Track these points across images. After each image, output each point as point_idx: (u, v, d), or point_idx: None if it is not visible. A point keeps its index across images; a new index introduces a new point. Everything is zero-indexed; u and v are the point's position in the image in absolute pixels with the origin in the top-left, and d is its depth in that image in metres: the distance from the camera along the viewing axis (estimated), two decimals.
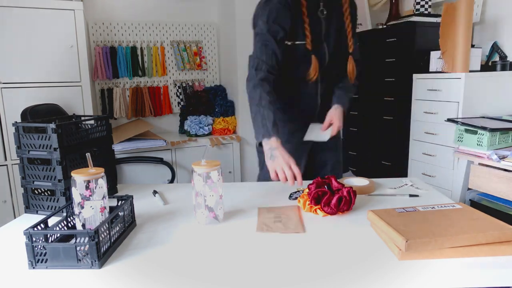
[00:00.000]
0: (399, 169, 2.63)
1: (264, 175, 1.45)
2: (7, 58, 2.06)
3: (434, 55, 2.31)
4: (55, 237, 0.84)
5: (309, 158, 1.55)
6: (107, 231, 0.82)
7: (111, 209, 0.92)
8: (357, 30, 3.16)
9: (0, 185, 2.12)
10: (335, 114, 1.41)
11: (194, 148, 2.57)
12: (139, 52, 2.77)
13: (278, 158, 1.15)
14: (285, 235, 0.91)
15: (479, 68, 2.21)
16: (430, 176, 2.33)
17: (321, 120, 1.45)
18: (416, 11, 2.59)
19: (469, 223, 0.83)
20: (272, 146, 1.18)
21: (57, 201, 1.05)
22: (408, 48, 2.48)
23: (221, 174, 0.99)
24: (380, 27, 2.81)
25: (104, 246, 0.80)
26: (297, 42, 1.34)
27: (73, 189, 0.84)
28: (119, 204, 0.97)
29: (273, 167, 1.16)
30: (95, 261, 0.76)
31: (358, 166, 3.16)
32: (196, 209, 0.99)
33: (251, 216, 1.04)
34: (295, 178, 1.12)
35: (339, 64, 1.42)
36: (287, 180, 1.12)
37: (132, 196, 1.00)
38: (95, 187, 0.84)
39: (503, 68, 2.24)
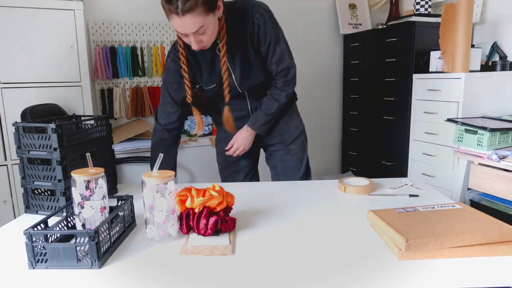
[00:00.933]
0: (399, 169, 2.63)
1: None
2: (7, 58, 2.06)
3: (434, 55, 2.31)
4: (55, 237, 0.84)
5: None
6: (107, 231, 0.82)
7: (111, 209, 0.92)
8: (357, 30, 3.18)
9: (0, 185, 2.12)
10: (237, 137, 1.44)
11: (194, 148, 2.57)
12: (139, 52, 2.77)
13: None
14: (285, 235, 0.91)
15: (479, 68, 2.22)
16: (430, 176, 2.33)
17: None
18: (416, 11, 2.59)
19: (469, 223, 0.83)
20: None
21: (57, 201, 1.05)
22: (408, 48, 2.48)
23: (175, 186, 0.89)
24: (380, 27, 2.81)
25: (104, 246, 0.80)
26: (199, 86, 1.45)
27: (73, 189, 0.84)
28: (119, 204, 0.97)
29: None
30: (95, 261, 0.76)
31: (358, 166, 3.16)
32: (146, 224, 0.90)
33: (251, 216, 1.04)
34: None
35: (256, 81, 1.38)
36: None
37: (132, 196, 1.00)
38: (95, 187, 0.84)
39: (503, 68, 2.24)
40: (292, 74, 1.39)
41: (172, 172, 0.90)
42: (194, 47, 1.18)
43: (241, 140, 1.44)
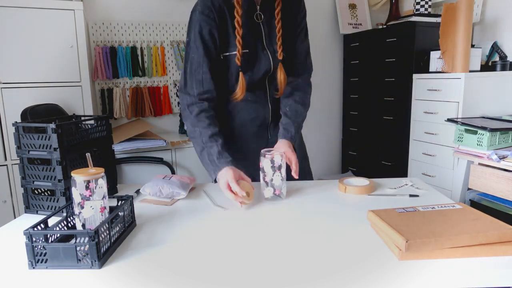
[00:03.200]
0: (399, 169, 2.63)
1: None
2: (7, 58, 2.06)
3: (434, 55, 2.31)
4: (55, 237, 0.84)
5: None
6: (107, 231, 0.82)
7: (111, 209, 0.92)
8: (357, 30, 3.18)
9: (0, 185, 2.12)
10: (287, 151, 1.21)
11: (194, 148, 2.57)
12: (139, 52, 2.77)
13: (219, 182, 1.13)
14: (285, 235, 0.91)
15: (479, 68, 2.22)
16: (430, 176, 2.33)
17: (275, 129, 1.36)
18: (416, 11, 2.59)
19: (469, 223, 0.83)
20: (222, 174, 1.13)
21: (57, 201, 1.05)
22: (408, 48, 2.48)
23: (283, 160, 1.14)
24: (380, 27, 2.81)
25: (104, 246, 0.80)
26: (227, 54, 1.23)
27: (73, 189, 0.84)
28: (119, 204, 0.97)
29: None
30: (95, 261, 0.76)
31: (358, 166, 3.16)
32: (263, 187, 1.16)
33: (251, 216, 1.04)
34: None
35: (288, 70, 1.30)
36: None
37: (132, 196, 1.00)
38: (95, 187, 0.84)
39: (503, 68, 2.24)
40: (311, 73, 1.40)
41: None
42: None
43: (291, 153, 1.22)
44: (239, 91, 1.25)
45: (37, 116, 1.88)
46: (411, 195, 1.17)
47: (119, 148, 2.29)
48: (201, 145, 1.21)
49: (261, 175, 1.15)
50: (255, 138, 1.39)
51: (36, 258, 0.77)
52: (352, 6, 3.18)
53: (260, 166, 1.15)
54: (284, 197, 1.17)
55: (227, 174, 1.11)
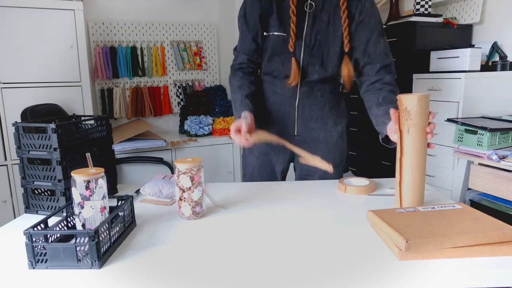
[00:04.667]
0: None
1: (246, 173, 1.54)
2: (7, 58, 2.06)
3: (434, 55, 2.31)
4: (55, 237, 0.84)
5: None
6: (107, 231, 0.82)
7: (111, 209, 0.92)
8: None
9: (0, 185, 2.12)
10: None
11: (194, 148, 2.57)
12: (139, 52, 2.77)
13: (232, 126, 1.20)
14: (285, 235, 0.91)
15: (479, 68, 2.22)
16: (430, 176, 2.33)
17: (300, 134, 1.40)
18: (416, 11, 2.59)
19: (469, 223, 0.83)
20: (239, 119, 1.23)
21: (57, 201, 1.05)
22: (408, 48, 2.48)
23: (201, 172, 1.02)
24: None
25: (104, 246, 0.80)
26: (270, 33, 1.28)
27: (73, 189, 0.84)
28: (119, 204, 0.97)
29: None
30: (95, 261, 0.76)
31: (358, 166, 3.16)
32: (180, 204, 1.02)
33: (252, 216, 1.04)
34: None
35: (328, 67, 1.31)
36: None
37: (132, 196, 1.00)
38: (95, 187, 0.84)
39: (503, 68, 2.24)
40: (395, 73, 1.37)
41: (200, 159, 1.02)
42: None
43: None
44: (293, 77, 1.29)
45: (37, 116, 1.89)
46: None
47: (119, 148, 2.29)
48: (232, 94, 1.34)
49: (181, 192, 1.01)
50: (278, 131, 1.35)
51: (36, 258, 0.77)
52: None
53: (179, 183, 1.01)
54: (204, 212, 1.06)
55: (238, 120, 1.20)
